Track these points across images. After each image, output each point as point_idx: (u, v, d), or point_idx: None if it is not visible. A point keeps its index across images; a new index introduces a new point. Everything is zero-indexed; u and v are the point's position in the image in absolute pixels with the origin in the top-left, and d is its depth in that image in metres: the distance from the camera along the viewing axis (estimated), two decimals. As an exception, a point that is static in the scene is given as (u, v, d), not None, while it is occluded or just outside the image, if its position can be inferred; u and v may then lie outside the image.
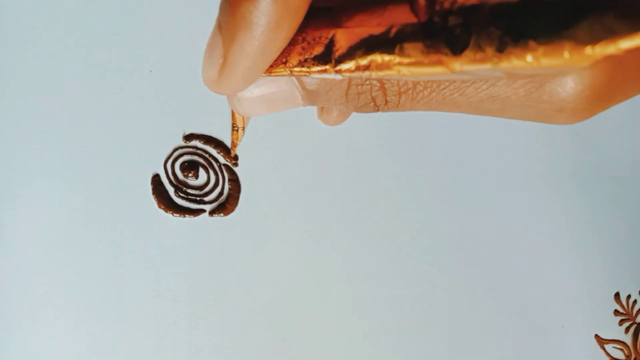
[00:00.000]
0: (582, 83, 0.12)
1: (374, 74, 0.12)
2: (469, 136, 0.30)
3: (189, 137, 0.28)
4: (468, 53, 0.10)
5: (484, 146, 0.30)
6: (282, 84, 0.15)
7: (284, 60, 0.14)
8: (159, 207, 0.27)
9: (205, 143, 0.28)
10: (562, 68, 0.09)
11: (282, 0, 0.12)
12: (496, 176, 0.30)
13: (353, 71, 0.13)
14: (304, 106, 0.16)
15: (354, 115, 0.29)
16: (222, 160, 0.28)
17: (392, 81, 0.14)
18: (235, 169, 0.28)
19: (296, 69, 0.14)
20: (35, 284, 0.26)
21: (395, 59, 0.12)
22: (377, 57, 0.12)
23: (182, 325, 0.27)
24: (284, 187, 0.28)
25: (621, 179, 0.31)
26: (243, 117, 0.21)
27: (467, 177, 0.30)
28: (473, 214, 0.30)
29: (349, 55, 0.13)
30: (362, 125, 0.29)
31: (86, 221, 0.26)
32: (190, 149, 0.28)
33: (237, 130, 0.22)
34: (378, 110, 0.15)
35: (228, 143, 0.28)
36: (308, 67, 0.13)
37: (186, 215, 0.27)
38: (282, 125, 0.28)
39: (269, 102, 0.16)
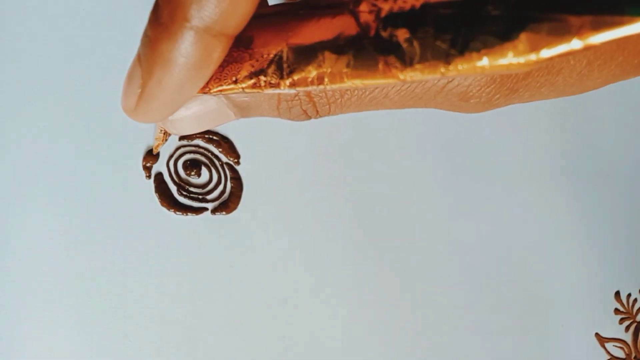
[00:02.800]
0: (487, 75, 0.13)
1: (328, 87, 0.12)
2: (468, 135, 0.30)
3: (191, 136, 0.28)
4: (417, 66, 0.11)
5: (484, 145, 0.30)
6: (211, 103, 0.15)
7: (234, 79, 0.14)
8: (162, 205, 0.27)
9: (207, 142, 0.28)
10: (505, 72, 0.10)
11: (202, 44, 0.12)
12: (495, 175, 0.30)
13: (307, 85, 0.13)
14: (237, 120, 0.16)
15: (355, 114, 0.29)
16: (224, 158, 0.28)
17: (321, 94, 0.14)
18: (237, 167, 0.28)
19: (247, 87, 0.14)
20: (36, 282, 0.26)
21: (348, 72, 0.12)
22: (329, 70, 0.12)
23: (184, 323, 0.27)
24: (286, 186, 0.28)
25: (621, 179, 0.32)
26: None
27: (466, 176, 0.30)
28: (472, 212, 0.30)
29: (300, 70, 0.13)
30: (363, 124, 0.29)
31: (88, 219, 0.26)
32: (193, 148, 0.28)
33: (164, 134, 0.22)
34: (310, 119, 0.16)
35: (232, 141, 0.28)
36: (259, 85, 0.13)
37: (188, 214, 0.27)
38: (283, 123, 0.29)
39: (201, 122, 0.16)
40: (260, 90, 0.13)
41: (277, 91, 0.13)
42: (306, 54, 0.13)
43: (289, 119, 0.15)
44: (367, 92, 0.14)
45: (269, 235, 0.28)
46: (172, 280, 0.27)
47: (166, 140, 0.24)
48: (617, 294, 0.31)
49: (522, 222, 0.30)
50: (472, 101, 0.14)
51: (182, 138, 0.28)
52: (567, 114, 0.31)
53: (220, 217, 0.28)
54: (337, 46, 0.12)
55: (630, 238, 0.31)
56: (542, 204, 0.31)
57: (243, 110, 0.15)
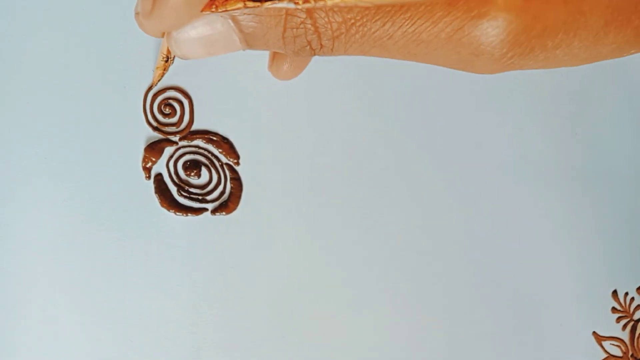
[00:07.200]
0: (499, 27, 0.13)
1: (329, 2, 0.13)
2: (468, 135, 0.30)
3: (191, 137, 0.28)
4: None
5: (483, 145, 0.31)
6: (218, 26, 0.15)
7: None
8: (162, 206, 0.27)
9: (207, 142, 0.28)
10: None
11: None
12: (494, 174, 0.30)
13: (308, 1, 0.13)
14: (243, 50, 0.16)
15: (355, 112, 0.29)
16: (224, 159, 0.28)
17: (326, 25, 0.14)
18: (237, 167, 0.28)
19: (250, 1, 0.14)
20: (37, 282, 0.26)
21: None
22: None
23: (184, 323, 0.27)
24: (285, 186, 0.28)
25: (619, 178, 0.32)
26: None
27: (465, 176, 0.30)
28: (471, 212, 0.30)
29: None
30: (363, 122, 0.29)
31: (89, 220, 0.26)
32: (193, 148, 0.28)
33: (166, 61, 0.22)
34: (314, 55, 0.15)
35: (232, 141, 0.28)
36: None
37: (188, 214, 0.27)
38: (283, 123, 0.29)
39: (207, 45, 0.16)
40: (260, 5, 0.14)
41: (277, 5, 0.13)
42: None
43: (293, 51, 0.15)
44: (372, 30, 0.14)
45: (269, 235, 0.28)
46: (172, 280, 0.27)
47: (166, 70, 0.23)
48: (615, 292, 0.31)
49: (520, 221, 0.31)
50: (484, 57, 0.14)
51: (183, 138, 0.28)
52: (565, 113, 0.31)
53: (220, 217, 0.28)
54: None
55: (627, 237, 0.31)
56: (540, 204, 0.31)
57: (249, 37, 0.15)
